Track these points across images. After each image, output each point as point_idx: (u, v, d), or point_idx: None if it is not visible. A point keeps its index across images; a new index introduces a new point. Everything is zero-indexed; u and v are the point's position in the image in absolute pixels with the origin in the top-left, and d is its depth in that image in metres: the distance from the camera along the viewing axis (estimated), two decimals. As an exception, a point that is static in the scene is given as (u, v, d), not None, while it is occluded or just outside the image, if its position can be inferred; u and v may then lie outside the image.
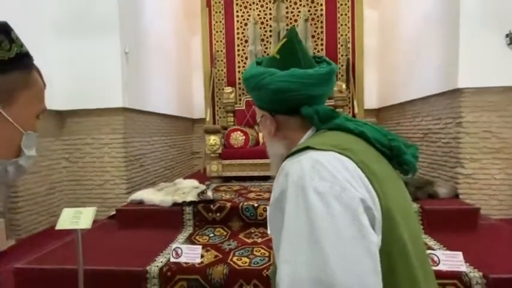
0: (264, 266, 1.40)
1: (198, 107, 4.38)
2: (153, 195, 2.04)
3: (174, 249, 1.50)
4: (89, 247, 1.61)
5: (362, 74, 3.49)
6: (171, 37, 3.86)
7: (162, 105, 3.46)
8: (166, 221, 1.91)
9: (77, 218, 1.28)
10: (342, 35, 3.50)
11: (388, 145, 0.50)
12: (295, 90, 0.51)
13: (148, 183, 3.09)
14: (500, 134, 2.33)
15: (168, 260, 1.47)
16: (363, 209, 0.38)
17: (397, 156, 0.50)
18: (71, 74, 2.63)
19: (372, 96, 4.03)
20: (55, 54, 2.59)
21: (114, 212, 2.10)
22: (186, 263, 1.44)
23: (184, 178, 2.60)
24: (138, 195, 2.10)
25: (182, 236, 1.80)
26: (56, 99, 2.58)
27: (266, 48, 3.56)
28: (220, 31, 3.63)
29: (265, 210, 1.85)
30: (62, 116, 2.72)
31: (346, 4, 3.47)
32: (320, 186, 0.38)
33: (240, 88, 3.62)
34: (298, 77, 0.51)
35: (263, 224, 1.81)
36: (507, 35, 2.22)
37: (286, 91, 0.51)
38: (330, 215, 0.36)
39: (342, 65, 3.47)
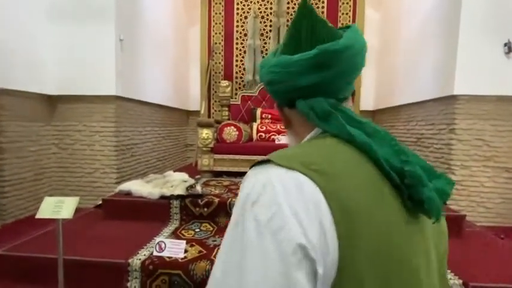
0: (247, 263, 1.40)
1: (194, 99, 4.33)
2: (141, 187, 2.02)
3: (157, 243, 1.49)
4: (72, 236, 1.59)
5: (360, 74, 3.47)
6: (169, 27, 3.79)
7: (156, 95, 3.41)
8: (152, 213, 1.90)
9: (58, 208, 1.26)
10: (342, 34, 3.46)
11: (399, 169, 0.35)
12: (281, 81, 0.43)
13: (139, 174, 3.06)
14: (492, 142, 2.34)
15: (151, 253, 1.46)
16: (298, 259, 0.29)
17: (409, 188, 0.35)
18: (63, 59, 2.58)
19: (368, 98, 4.02)
20: (48, 39, 2.53)
21: (100, 202, 2.08)
22: (169, 258, 1.43)
23: (175, 171, 2.58)
24: (126, 186, 2.08)
25: (168, 229, 1.79)
26: (47, 83, 2.54)
27: (265, 43, 3.51)
28: (220, 23, 3.57)
29: (253, 207, 1.84)
30: (53, 101, 2.67)
31: (347, 3, 3.42)
32: (260, 214, 0.31)
33: (236, 82, 3.58)
34: (283, 65, 0.43)
35: (250, 221, 1.80)
36: (505, 44, 2.21)
37: (275, 83, 0.44)
38: (261, 252, 0.30)
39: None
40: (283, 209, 0.31)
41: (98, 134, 2.69)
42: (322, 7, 3.45)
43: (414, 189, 0.35)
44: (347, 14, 3.44)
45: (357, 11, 3.43)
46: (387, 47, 3.77)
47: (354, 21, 3.44)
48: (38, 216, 1.24)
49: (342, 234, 0.30)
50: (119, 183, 2.59)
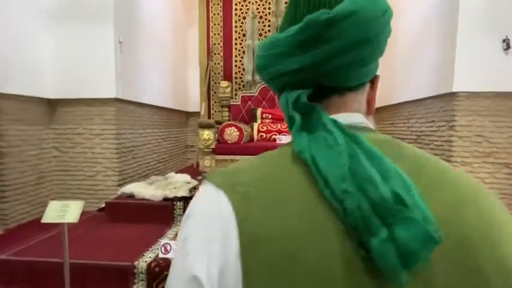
0: (253, 263, 1.41)
1: (193, 100, 4.32)
2: (144, 189, 2.02)
3: (163, 245, 1.49)
4: (76, 240, 1.59)
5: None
6: (168, 28, 3.78)
7: (156, 97, 3.41)
8: (156, 215, 1.90)
9: (63, 212, 1.26)
10: (340, 33, 3.47)
11: (339, 199, 0.25)
12: (267, 66, 0.35)
13: (140, 176, 3.06)
14: (491, 138, 2.36)
15: (157, 255, 1.46)
16: None
17: (354, 231, 0.25)
18: (62, 62, 2.57)
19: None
20: (47, 42, 2.52)
21: (103, 205, 2.08)
22: (174, 259, 1.43)
23: (176, 172, 2.59)
24: (129, 188, 2.08)
25: (172, 231, 1.79)
26: (46, 87, 2.53)
27: (264, 43, 3.52)
28: (218, 24, 3.57)
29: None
30: (52, 104, 2.66)
31: (346, 2, 3.44)
32: (182, 233, 0.29)
33: (236, 83, 3.58)
34: (268, 46, 0.34)
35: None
36: (504, 40, 2.23)
37: (262, 69, 0.36)
38: (175, 271, 0.29)
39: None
40: (195, 233, 0.28)
41: (99, 137, 2.69)
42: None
43: (361, 236, 0.24)
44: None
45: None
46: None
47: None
48: (43, 220, 1.24)
49: (248, 271, 0.25)
50: (120, 185, 2.58)
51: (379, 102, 4.05)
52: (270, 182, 0.29)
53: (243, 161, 0.34)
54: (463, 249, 0.26)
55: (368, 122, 0.36)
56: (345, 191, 0.25)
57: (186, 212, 0.31)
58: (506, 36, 2.22)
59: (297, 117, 0.31)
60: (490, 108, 2.34)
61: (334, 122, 0.30)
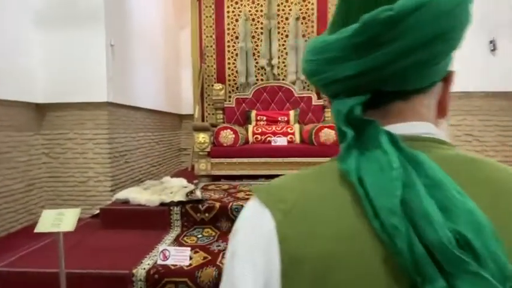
0: (253, 267, 1.40)
1: (186, 103, 4.29)
2: (139, 194, 1.99)
3: (161, 251, 1.47)
4: (71, 248, 1.55)
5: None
6: (159, 30, 3.75)
7: (148, 100, 3.37)
8: (152, 221, 1.87)
9: (58, 220, 1.22)
10: (332, 35, 3.51)
11: (389, 233, 0.22)
12: (317, 72, 0.31)
13: (134, 181, 3.01)
14: (481, 137, 2.43)
15: (155, 262, 1.44)
16: None
17: (406, 271, 0.22)
18: (52, 66, 2.51)
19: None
20: (36, 45, 2.46)
21: (97, 211, 2.03)
22: (174, 266, 1.41)
23: (172, 176, 2.55)
24: (124, 194, 2.04)
25: (169, 237, 1.77)
26: (36, 91, 2.46)
27: (257, 45, 3.53)
28: (210, 26, 3.55)
29: (254, 210, 1.84)
30: (42, 109, 2.59)
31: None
32: (229, 247, 0.30)
33: (229, 85, 3.57)
34: (318, 50, 0.30)
35: (252, 224, 1.80)
36: (490, 42, 2.31)
37: (311, 75, 0.32)
38: (222, 285, 0.29)
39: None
40: (241, 248, 0.29)
41: (91, 142, 2.63)
42: (312, 9, 3.49)
43: (411, 276, 0.21)
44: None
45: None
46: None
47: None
48: (37, 230, 1.20)
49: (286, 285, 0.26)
50: (113, 191, 2.53)
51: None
52: (311, 200, 0.27)
53: (289, 176, 0.32)
54: None
55: (438, 132, 0.30)
56: (394, 227, 0.21)
57: (234, 227, 0.31)
58: (493, 38, 2.29)
59: (349, 133, 0.27)
60: (479, 108, 2.41)
61: (392, 137, 0.26)
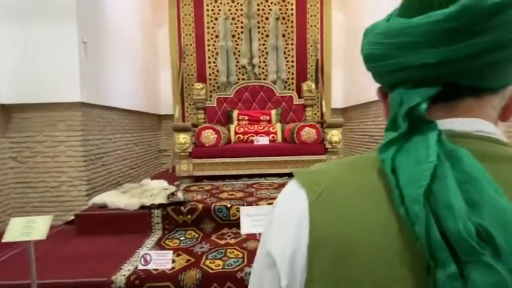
0: (238, 268, 1.39)
1: (166, 103, 4.18)
2: (118, 198, 1.91)
3: (142, 255, 1.42)
4: (43, 258, 1.46)
5: (330, 74, 3.61)
6: (136, 28, 3.62)
7: (125, 100, 3.25)
8: (132, 225, 1.80)
9: (28, 228, 1.14)
10: (311, 36, 3.57)
11: (411, 220, 0.23)
12: (385, 57, 0.29)
13: (111, 184, 2.89)
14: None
15: (136, 267, 1.38)
16: (268, 264, 0.30)
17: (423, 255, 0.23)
18: (20, 64, 2.34)
19: (338, 96, 4.20)
20: (2, 41, 2.29)
21: (71, 217, 1.93)
22: (155, 270, 1.37)
23: (152, 178, 2.48)
24: (101, 198, 1.95)
25: (150, 240, 1.71)
26: (1, 91, 2.29)
27: (237, 44, 3.51)
28: (190, 24, 3.49)
29: (238, 210, 1.83)
30: (7, 110, 2.41)
31: (315, 5, 3.54)
32: (269, 218, 0.34)
33: (210, 84, 3.53)
34: (393, 33, 0.28)
35: (236, 224, 1.79)
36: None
37: (375, 59, 0.31)
38: (259, 248, 0.34)
39: (312, 65, 3.56)
40: (278, 220, 0.32)
41: (63, 144, 2.49)
42: (292, 9, 3.53)
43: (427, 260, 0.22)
44: (315, 16, 3.56)
45: (324, 14, 3.56)
46: (354, 47, 3.97)
47: (321, 23, 3.57)
48: (5, 240, 1.12)
49: (312, 264, 0.27)
50: (89, 195, 2.42)
51: (348, 102, 4.24)
52: (341, 185, 0.30)
53: (329, 162, 0.35)
54: None
55: (497, 131, 0.30)
56: (415, 215, 0.23)
57: (274, 202, 0.34)
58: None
59: (403, 128, 0.26)
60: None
61: (440, 134, 0.26)
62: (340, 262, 0.26)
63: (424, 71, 0.27)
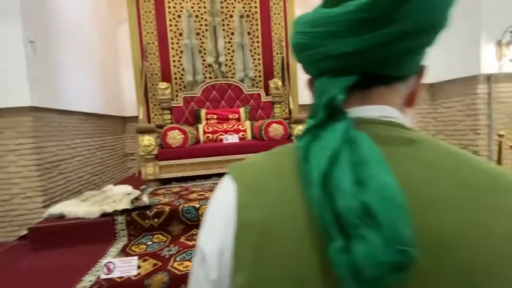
0: (207, 267, 1.37)
1: (130, 104, 4.00)
2: (76, 207, 1.79)
3: (105, 264, 1.35)
4: (-10, 278, 1.33)
5: (295, 71, 3.69)
6: (93, 26, 3.41)
7: (84, 102, 3.05)
8: (94, 234, 1.70)
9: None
10: (276, 34, 3.61)
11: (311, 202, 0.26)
12: (310, 46, 0.30)
13: (72, 193, 2.71)
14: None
15: (98, 277, 1.31)
16: (200, 260, 0.31)
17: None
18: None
19: (305, 92, 4.31)
20: None
21: (25, 232, 1.77)
22: (120, 278, 1.31)
23: (115, 184, 2.36)
24: (57, 208, 1.82)
25: (115, 248, 1.63)
26: None
27: (202, 42, 3.45)
28: (151, 22, 3.36)
29: (207, 210, 1.81)
30: None
31: (278, 4, 3.59)
32: (204, 213, 0.37)
33: (176, 83, 3.43)
34: (315, 23, 0.29)
35: (205, 224, 1.76)
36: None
37: (301, 48, 0.31)
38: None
39: (278, 63, 3.61)
40: (209, 215, 0.33)
41: (13, 154, 2.28)
42: (255, 7, 3.55)
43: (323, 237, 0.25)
44: (279, 14, 3.61)
45: (287, 12, 3.62)
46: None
47: (285, 21, 3.62)
48: None
49: (237, 253, 0.28)
50: (46, 207, 2.24)
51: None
52: (264, 174, 0.31)
53: (263, 153, 0.35)
54: (468, 283, 0.22)
55: (401, 117, 0.32)
56: (312, 197, 0.25)
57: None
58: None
59: (321, 116, 0.29)
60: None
61: (348, 122, 0.28)
62: (261, 247, 0.27)
63: (343, 60, 0.28)
